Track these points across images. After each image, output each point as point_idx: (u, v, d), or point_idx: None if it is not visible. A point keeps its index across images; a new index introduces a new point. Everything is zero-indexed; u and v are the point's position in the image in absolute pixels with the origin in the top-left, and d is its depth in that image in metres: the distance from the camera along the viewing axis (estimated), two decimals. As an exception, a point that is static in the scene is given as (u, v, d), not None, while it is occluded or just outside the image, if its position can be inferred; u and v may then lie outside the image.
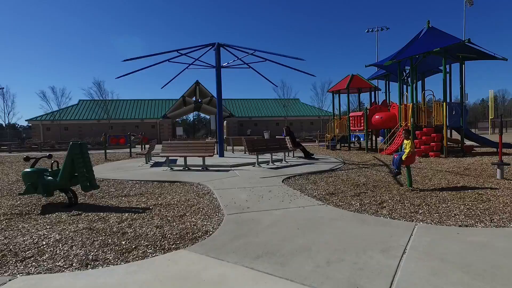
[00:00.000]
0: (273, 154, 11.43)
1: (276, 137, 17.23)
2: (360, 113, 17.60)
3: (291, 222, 4.33)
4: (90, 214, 5.04)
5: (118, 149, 21.21)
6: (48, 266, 3.14)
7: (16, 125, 54.17)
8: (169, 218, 4.74)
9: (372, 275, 2.70)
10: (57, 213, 5.13)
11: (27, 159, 5.80)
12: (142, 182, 8.10)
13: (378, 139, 19.50)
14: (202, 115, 77.47)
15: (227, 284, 2.62)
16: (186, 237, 3.89)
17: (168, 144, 10.86)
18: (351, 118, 18.16)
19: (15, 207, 5.63)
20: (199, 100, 37.31)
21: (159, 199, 6.10)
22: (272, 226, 4.17)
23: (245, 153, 15.55)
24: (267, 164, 10.94)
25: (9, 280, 2.81)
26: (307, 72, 14.01)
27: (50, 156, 6.17)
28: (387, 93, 19.27)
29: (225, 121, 33.94)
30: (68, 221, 4.66)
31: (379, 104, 18.49)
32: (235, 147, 18.59)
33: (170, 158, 10.73)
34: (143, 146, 18.52)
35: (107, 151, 16.59)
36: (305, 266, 2.91)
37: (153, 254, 3.39)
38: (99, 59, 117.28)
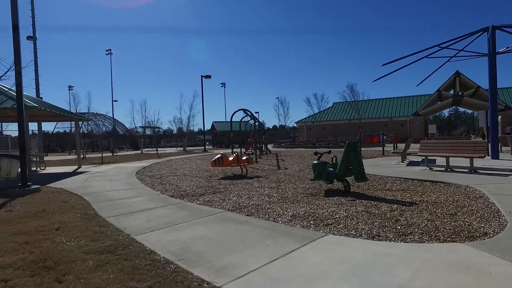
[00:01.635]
0: None
1: None
2: None
3: None
4: (363, 201, 6.06)
5: (371, 147, 22.49)
6: (345, 232, 4.27)
7: (285, 126, 68.75)
8: (438, 214, 4.91)
9: None
10: (337, 197, 6.51)
11: (316, 153, 7.69)
12: (402, 179, 8.48)
13: None
14: (461, 110, 66.27)
15: (520, 282, 2.62)
16: (462, 234, 3.97)
17: (426, 143, 10.56)
18: None
19: (307, 189, 7.64)
20: (459, 93, 32.32)
21: (423, 196, 6.28)
22: None
23: (530, 155, 12.26)
24: None
25: (325, 235, 4.12)
26: None
27: (329, 152, 7.84)
28: None
29: (499, 116, 27.59)
30: (348, 204, 5.86)
31: None
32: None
33: (428, 158, 10.38)
34: (395, 145, 18.68)
35: (361, 149, 18.10)
36: None
37: (429, 241, 3.78)
38: (353, 63, 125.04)
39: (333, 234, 4.21)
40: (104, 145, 40.45)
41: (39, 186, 8.81)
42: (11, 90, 11.48)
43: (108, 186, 9.25)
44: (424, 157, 10.31)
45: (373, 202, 5.89)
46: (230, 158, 11.01)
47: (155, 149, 38.87)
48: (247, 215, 5.39)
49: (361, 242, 3.82)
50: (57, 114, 14.91)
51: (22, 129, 8.37)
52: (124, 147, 45.67)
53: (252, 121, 22.57)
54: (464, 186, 7.10)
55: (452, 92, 33.28)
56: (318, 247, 3.72)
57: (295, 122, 51.20)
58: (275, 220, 5.04)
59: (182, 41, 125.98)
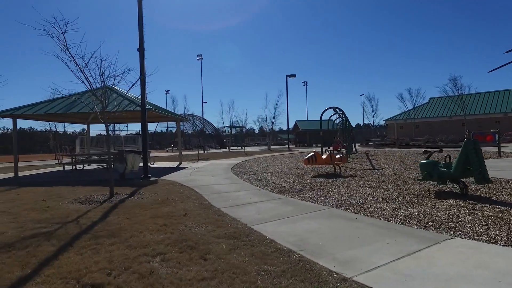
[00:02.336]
0: None
1: None
2: None
3: None
4: (487, 205, 5.41)
5: (482, 147, 19.63)
6: (474, 236, 3.89)
7: (370, 125, 64.16)
8: None
9: None
10: (452, 200, 5.94)
11: (425, 152, 7.14)
12: (534, 183, 7.27)
13: None
14: None
15: None
16: None
17: None
18: None
19: (413, 190, 7.14)
20: None
21: None
22: None
23: None
24: None
25: (451, 238, 3.83)
26: None
27: (441, 151, 7.18)
28: None
29: None
30: (469, 208, 5.30)
31: None
32: None
33: None
34: (514, 145, 15.98)
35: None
36: None
37: None
38: (455, 53, 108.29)
39: (460, 237, 3.88)
40: (194, 144, 44.31)
41: (157, 178, 10.15)
42: (135, 97, 13.47)
43: (211, 180, 10.13)
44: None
45: (502, 207, 5.22)
46: (323, 156, 10.95)
47: (240, 147, 41.02)
48: (354, 213, 5.33)
49: (500, 249, 3.44)
50: (163, 115, 16.87)
51: (145, 128, 9.76)
52: (211, 145, 49.20)
53: (338, 120, 21.99)
54: None
55: None
56: (446, 249, 3.48)
57: (383, 120, 47.99)
58: (386, 219, 4.87)
59: (267, 41, 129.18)
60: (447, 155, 6.89)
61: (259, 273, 2.97)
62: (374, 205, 5.81)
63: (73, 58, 6.98)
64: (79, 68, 7.10)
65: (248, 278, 2.85)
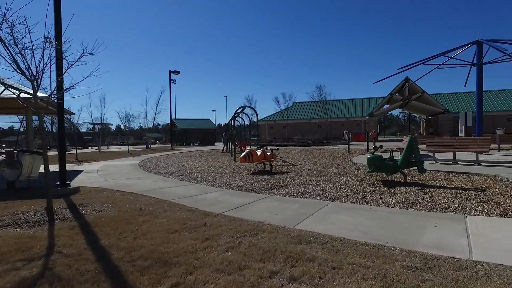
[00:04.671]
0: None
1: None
2: None
3: None
4: (436, 189, 6.85)
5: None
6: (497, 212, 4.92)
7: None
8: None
9: None
10: (396, 187, 7.16)
11: (380, 147, 8.32)
12: (428, 171, 9.57)
13: None
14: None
15: None
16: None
17: (433, 140, 11.99)
18: None
19: (364, 182, 8.24)
20: (408, 97, 36.25)
21: (471, 183, 7.32)
22: None
23: None
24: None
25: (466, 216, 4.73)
26: None
27: (381, 147, 8.55)
28: None
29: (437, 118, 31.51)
30: (413, 192, 6.58)
31: None
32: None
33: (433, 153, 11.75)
34: (374, 143, 20.49)
35: (350, 146, 19.49)
36: None
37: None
38: (322, 64, 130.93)
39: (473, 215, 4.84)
40: (38, 143, 36.41)
41: (78, 185, 7.98)
42: None
43: (146, 184, 8.75)
44: (433, 153, 11.66)
45: (442, 190, 6.71)
46: (258, 153, 11.14)
47: (107, 147, 36.59)
48: (354, 204, 5.77)
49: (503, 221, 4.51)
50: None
51: (62, 122, 7.52)
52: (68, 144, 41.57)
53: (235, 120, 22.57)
54: (492, 175, 8.37)
55: (401, 95, 37.08)
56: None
57: (254, 121, 51.95)
58: (388, 206, 5.51)
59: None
60: (392, 150, 8.28)
61: None
62: (360, 196, 6.41)
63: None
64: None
65: None
